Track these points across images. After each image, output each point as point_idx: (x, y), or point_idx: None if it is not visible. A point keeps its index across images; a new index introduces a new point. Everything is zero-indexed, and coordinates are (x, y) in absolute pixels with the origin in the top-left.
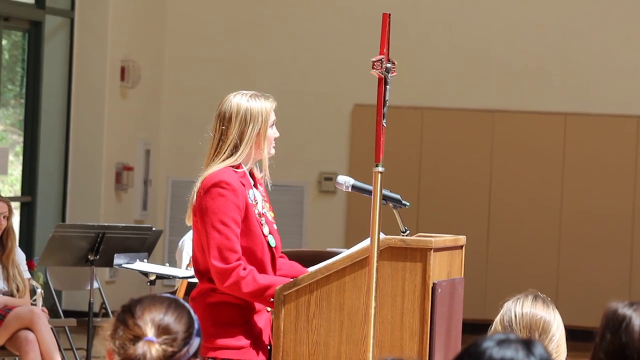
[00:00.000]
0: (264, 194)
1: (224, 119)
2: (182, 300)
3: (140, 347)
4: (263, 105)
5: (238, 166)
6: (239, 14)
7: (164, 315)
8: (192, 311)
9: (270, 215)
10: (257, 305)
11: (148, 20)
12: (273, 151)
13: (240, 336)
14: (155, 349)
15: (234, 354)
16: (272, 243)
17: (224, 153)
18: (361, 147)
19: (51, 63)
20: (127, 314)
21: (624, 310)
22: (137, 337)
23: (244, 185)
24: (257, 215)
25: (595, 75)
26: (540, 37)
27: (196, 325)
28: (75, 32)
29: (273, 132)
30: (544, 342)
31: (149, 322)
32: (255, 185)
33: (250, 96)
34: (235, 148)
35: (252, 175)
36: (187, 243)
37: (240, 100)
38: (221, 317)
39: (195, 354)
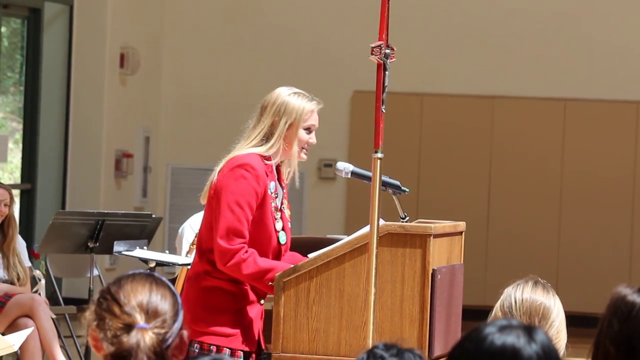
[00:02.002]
0: (284, 192)
1: (262, 108)
2: (159, 275)
3: (134, 336)
4: (302, 104)
5: (268, 158)
6: (238, 1)
7: (149, 297)
8: (170, 284)
9: (287, 212)
10: (251, 296)
11: (147, 7)
12: (304, 157)
13: (230, 324)
14: (149, 336)
15: (221, 340)
16: (283, 240)
17: (253, 140)
18: (361, 134)
19: (50, 50)
20: (112, 302)
21: (633, 297)
22: (129, 326)
23: (267, 175)
24: (272, 208)
25: (594, 61)
26: (539, 23)
27: (179, 299)
28: (74, 19)
29: (308, 136)
30: (544, 328)
31: (137, 308)
32: (279, 181)
33: (294, 92)
34: (267, 139)
35: (278, 171)
36: (187, 230)
37: (281, 93)
38: (213, 302)
39: (181, 326)
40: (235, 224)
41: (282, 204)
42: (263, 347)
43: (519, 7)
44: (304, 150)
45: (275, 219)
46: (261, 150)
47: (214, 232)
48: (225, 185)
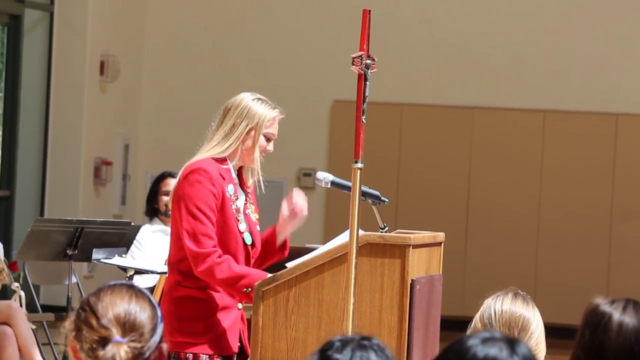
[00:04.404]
0: (251, 196)
1: (225, 110)
2: (139, 287)
3: (110, 350)
4: (264, 111)
5: (223, 161)
6: (219, 10)
7: (127, 310)
8: (151, 297)
9: (254, 216)
10: (225, 302)
11: (128, 15)
12: (258, 162)
13: (204, 331)
14: (124, 350)
15: (197, 348)
16: (248, 240)
17: (214, 141)
18: (340, 143)
19: (30, 57)
20: (89, 313)
21: (605, 307)
22: (105, 339)
23: (224, 178)
24: (233, 210)
25: (574, 73)
26: (519, 35)
27: (158, 312)
28: (54, 26)
29: (265, 143)
30: (523, 340)
31: (114, 321)
32: (241, 186)
33: (257, 98)
34: (224, 139)
35: (240, 176)
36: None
37: (245, 97)
38: (186, 311)
39: (160, 340)
40: (200, 227)
41: (245, 207)
42: (248, 352)
43: (499, 18)
44: (261, 156)
45: (238, 220)
46: (217, 150)
47: (182, 240)
48: (182, 194)
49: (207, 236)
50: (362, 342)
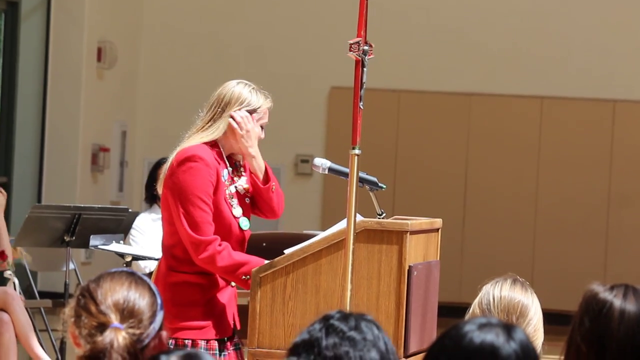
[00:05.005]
0: (242, 169)
1: (222, 102)
2: (140, 274)
3: (108, 336)
4: (261, 102)
5: (215, 145)
6: None
7: (126, 297)
8: (152, 285)
9: (242, 189)
10: (219, 283)
11: (125, 1)
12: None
13: (202, 315)
14: (122, 336)
15: (195, 334)
16: (245, 226)
17: (211, 132)
18: (338, 130)
19: (28, 43)
20: (89, 299)
21: (605, 295)
22: (103, 325)
23: (219, 162)
24: (227, 195)
25: (572, 59)
26: (517, 21)
27: (158, 300)
28: (52, 13)
29: (260, 132)
30: (521, 326)
31: (112, 307)
32: (232, 165)
33: (252, 88)
34: (220, 130)
35: (230, 159)
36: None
37: (242, 90)
38: (182, 297)
39: (160, 327)
40: (200, 214)
41: (234, 182)
42: (239, 327)
43: (496, 5)
44: None
45: (232, 205)
46: (209, 137)
47: (176, 226)
48: (179, 181)
49: (208, 223)
50: (362, 316)
